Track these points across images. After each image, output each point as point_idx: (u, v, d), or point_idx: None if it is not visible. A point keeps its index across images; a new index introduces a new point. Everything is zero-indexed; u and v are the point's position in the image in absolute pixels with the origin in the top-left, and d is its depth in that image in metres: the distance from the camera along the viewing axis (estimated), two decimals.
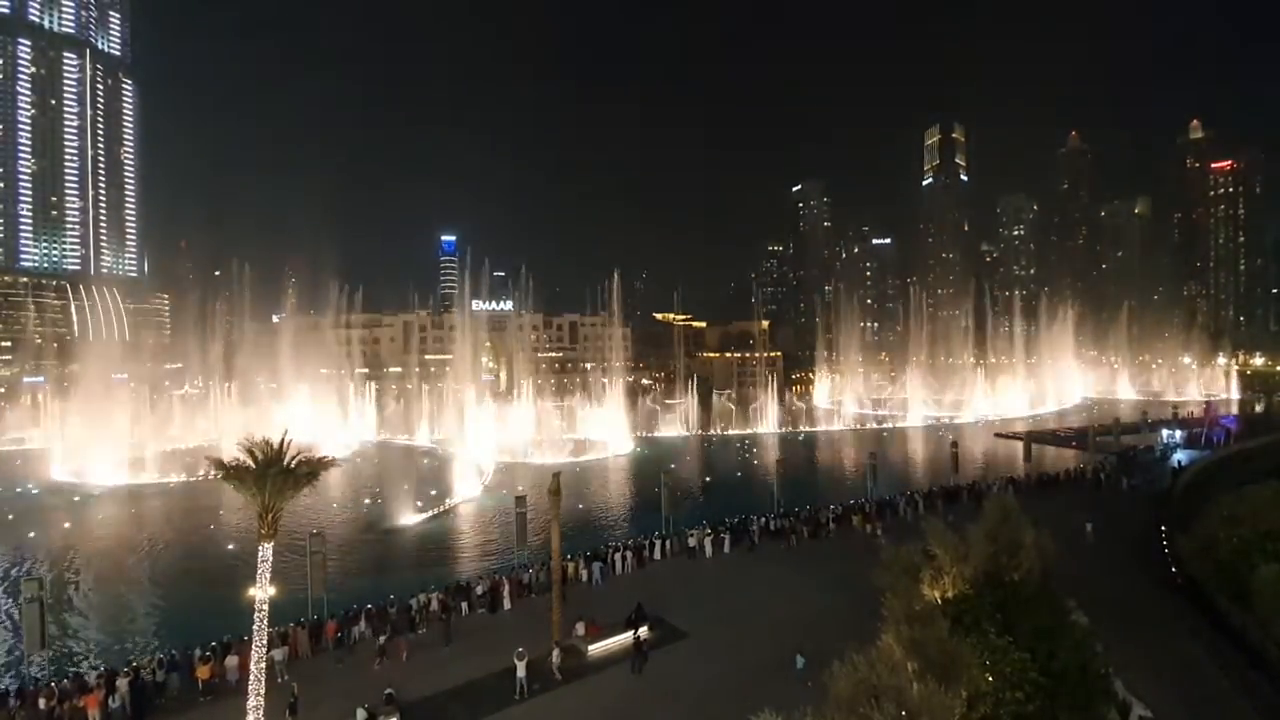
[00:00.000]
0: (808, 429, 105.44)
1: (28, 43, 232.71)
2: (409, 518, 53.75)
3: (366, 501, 59.88)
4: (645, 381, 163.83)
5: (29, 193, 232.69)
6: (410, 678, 25.00)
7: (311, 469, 20.59)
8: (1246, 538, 28.91)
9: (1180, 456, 67.41)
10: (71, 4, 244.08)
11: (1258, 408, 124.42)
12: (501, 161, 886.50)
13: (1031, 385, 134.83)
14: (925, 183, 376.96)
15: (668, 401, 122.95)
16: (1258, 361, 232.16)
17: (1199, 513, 34.95)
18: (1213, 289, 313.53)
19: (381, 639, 27.35)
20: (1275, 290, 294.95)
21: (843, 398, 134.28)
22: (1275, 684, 23.44)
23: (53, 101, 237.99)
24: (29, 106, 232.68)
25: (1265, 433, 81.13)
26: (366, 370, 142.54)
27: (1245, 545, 28.50)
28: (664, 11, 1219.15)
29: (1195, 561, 31.72)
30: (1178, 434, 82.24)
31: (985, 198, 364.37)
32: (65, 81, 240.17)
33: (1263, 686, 23.58)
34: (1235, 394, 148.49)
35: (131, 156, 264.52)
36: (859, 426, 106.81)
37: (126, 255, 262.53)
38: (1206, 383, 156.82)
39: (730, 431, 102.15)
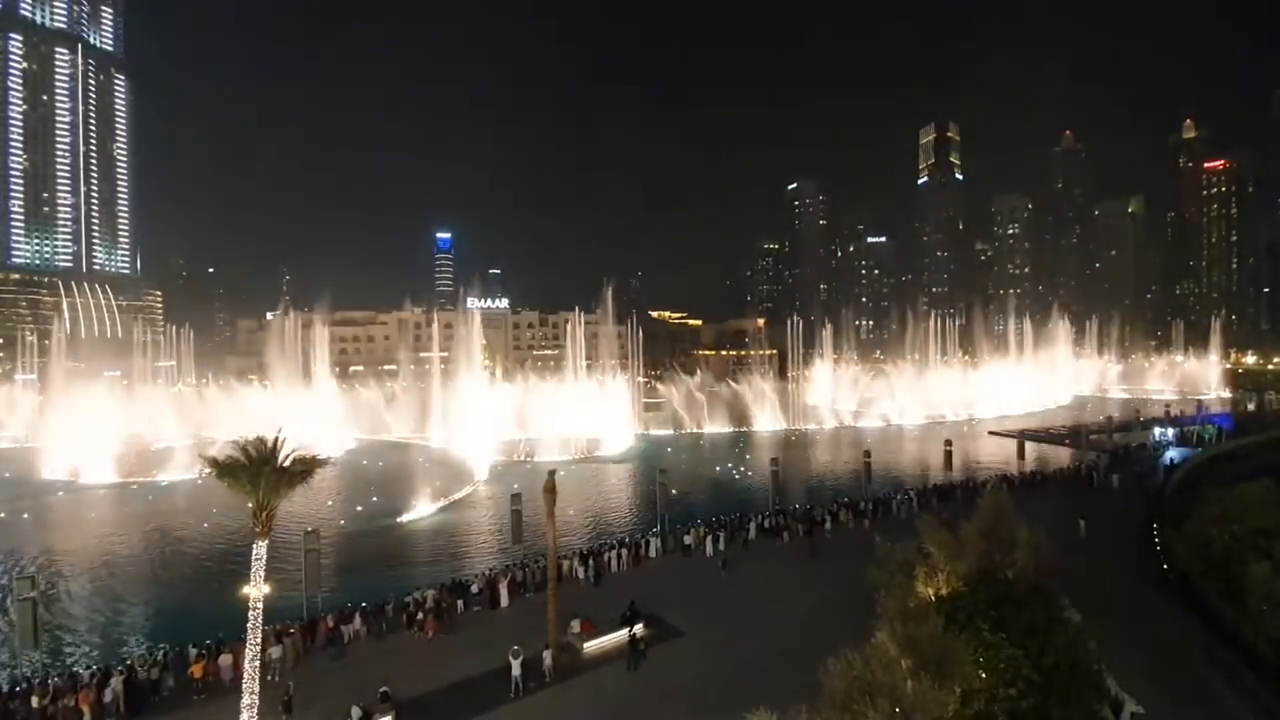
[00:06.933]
0: (803, 426, 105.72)
1: (19, 37, 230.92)
2: (403, 515, 53.67)
3: (360, 499, 59.70)
4: (640, 379, 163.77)
5: (20, 189, 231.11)
6: (405, 675, 24.98)
7: (305, 467, 20.55)
8: (1238, 535, 29.07)
9: (1172, 454, 67.72)
10: None
11: (1249, 406, 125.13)
12: (499, 160, 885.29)
13: (1025, 383, 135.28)
14: (920, 181, 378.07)
15: (663, 400, 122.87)
16: (1249, 360, 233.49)
17: (1191, 510, 35.08)
18: (1205, 288, 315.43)
19: (420, 615, 28.95)
20: (1267, 289, 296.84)
21: (838, 395, 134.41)
22: (1266, 681, 23.60)
23: (44, 97, 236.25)
24: (20, 102, 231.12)
25: (1257, 431, 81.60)
26: (361, 367, 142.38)
27: (1237, 543, 28.65)
28: (663, 10, 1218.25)
29: (1187, 559, 31.88)
30: (1170, 432, 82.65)
31: (980, 196, 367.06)
32: (57, 77, 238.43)
33: (1254, 683, 23.76)
34: (1227, 392, 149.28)
35: (124, 152, 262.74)
36: (854, 424, 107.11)
37: (119, 252, 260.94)
38: (1198, 381, 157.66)
39: (726, 429, 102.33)
